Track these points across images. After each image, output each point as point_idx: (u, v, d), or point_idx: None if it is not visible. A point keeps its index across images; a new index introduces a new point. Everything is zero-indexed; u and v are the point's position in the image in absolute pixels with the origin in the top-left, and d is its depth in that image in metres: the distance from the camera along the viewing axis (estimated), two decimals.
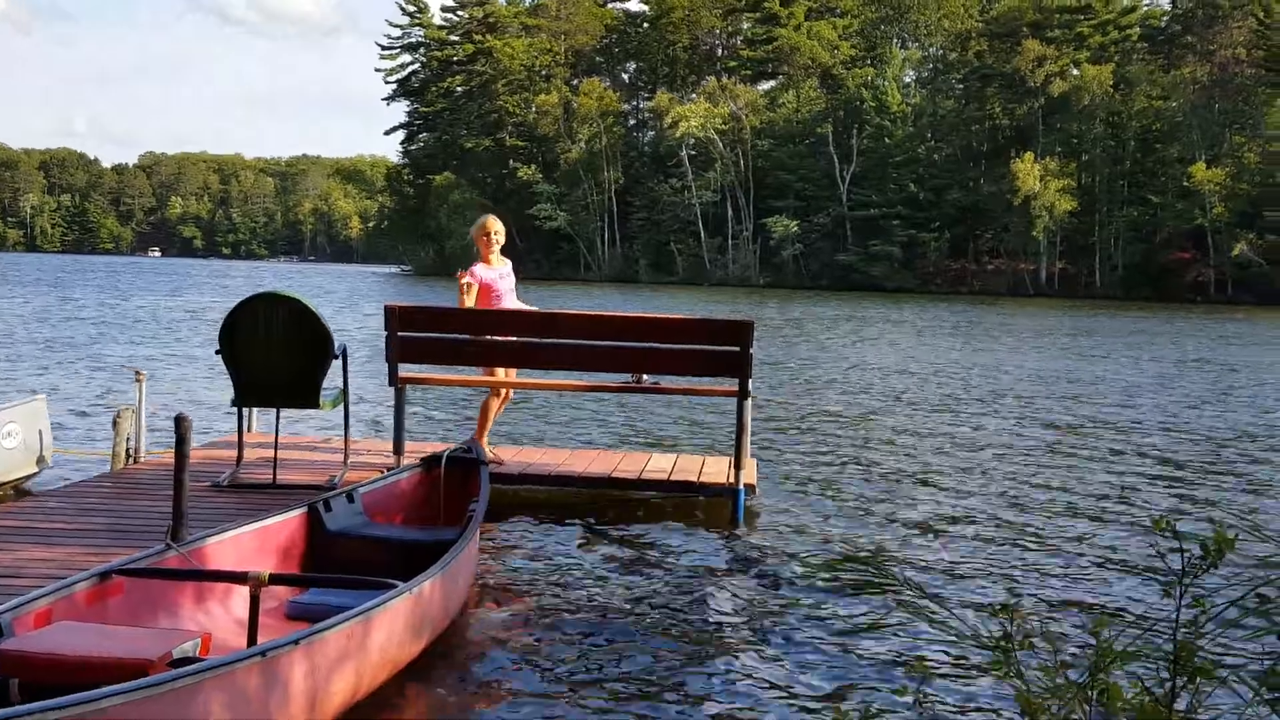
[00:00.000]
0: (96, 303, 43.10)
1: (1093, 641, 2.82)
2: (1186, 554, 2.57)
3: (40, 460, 9.39)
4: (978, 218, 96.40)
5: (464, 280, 9.56)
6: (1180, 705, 2.64)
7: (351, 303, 49.61)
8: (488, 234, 9.78)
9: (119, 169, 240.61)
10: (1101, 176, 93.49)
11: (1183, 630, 2.63)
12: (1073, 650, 5.33)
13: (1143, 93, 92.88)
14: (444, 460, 7.31)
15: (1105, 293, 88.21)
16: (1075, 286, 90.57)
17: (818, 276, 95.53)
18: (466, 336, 9.35)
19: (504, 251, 9.96)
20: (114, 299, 46.66)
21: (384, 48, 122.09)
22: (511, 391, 10.28)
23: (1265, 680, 2.45)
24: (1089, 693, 2.73)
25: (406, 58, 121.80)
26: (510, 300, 9.80)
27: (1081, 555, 8.31)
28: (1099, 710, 2.74)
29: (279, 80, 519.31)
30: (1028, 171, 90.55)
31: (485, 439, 9.83)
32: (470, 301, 9.60)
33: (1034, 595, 7.15)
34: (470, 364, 9.81)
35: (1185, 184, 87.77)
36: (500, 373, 9.70)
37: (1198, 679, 2.61)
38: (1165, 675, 2.67)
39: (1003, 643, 2.80)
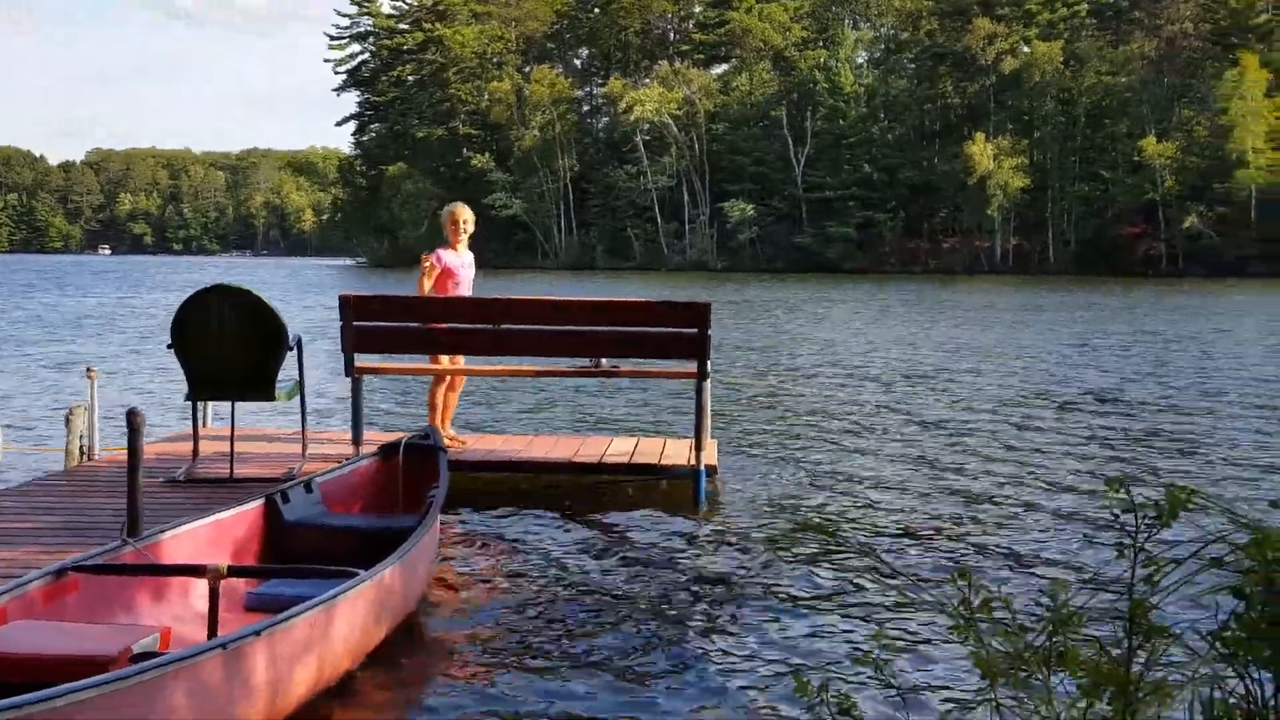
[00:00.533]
0: (44, 303, 42.64)
1: (1050, 605, 2.84)
2: (1140, 514, 2.59)
3: None
4: (932, 197, 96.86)
5: (427, 262, 9.69)
6: (1138, 664, 2.66)
7: (305, 295, 49.32)
8: (456, 221, 9.93)
9: (66, 166, 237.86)
10: (1053, 153, 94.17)
11: (1137, 590, 2.65)
12: (1031, 614, 5.37)
13: (1093, 69, 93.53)
14: (402, 448, 7.27)
15: (1059, 268, 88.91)
16: (1029, 263, 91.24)
17: (774, 259, 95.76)
18: (423, 325, 9.33)
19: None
20: (63, 298, 46.18)
21: (333, 38, 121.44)
22: (461, 378, 10.30)
23: (1217, 635, 2.47)
24: (1046, 655, 2.75)
25: (356, 47, 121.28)
26: (467, 290, 9.91)
27: (1038, 521, 8.39)
28: (1057, 672, 2.76)
29: (227, 73, 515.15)
30: (981, 152, 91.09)
31: (448, 428, 9.83)
32: (429, 282, 9.68)
33: (992, 561, 7.21)
34: (427, 352, 9.79)
35: (1136, 159, 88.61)
36: (445, 360, 9.75)
37: (1153, 638, 2.63)
38: (1121, 635, 2.69)
39: (961, 608, 2.81)
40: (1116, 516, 2.65)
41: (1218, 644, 2.48)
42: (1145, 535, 2.60)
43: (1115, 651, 2.71)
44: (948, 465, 10.79)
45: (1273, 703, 2.47)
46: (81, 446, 9.21)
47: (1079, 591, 2.87)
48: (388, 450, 7.32)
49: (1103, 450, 11.72)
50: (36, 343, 25.05)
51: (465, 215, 9.99)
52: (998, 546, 7.67)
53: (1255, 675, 2.49)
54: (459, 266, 9.85)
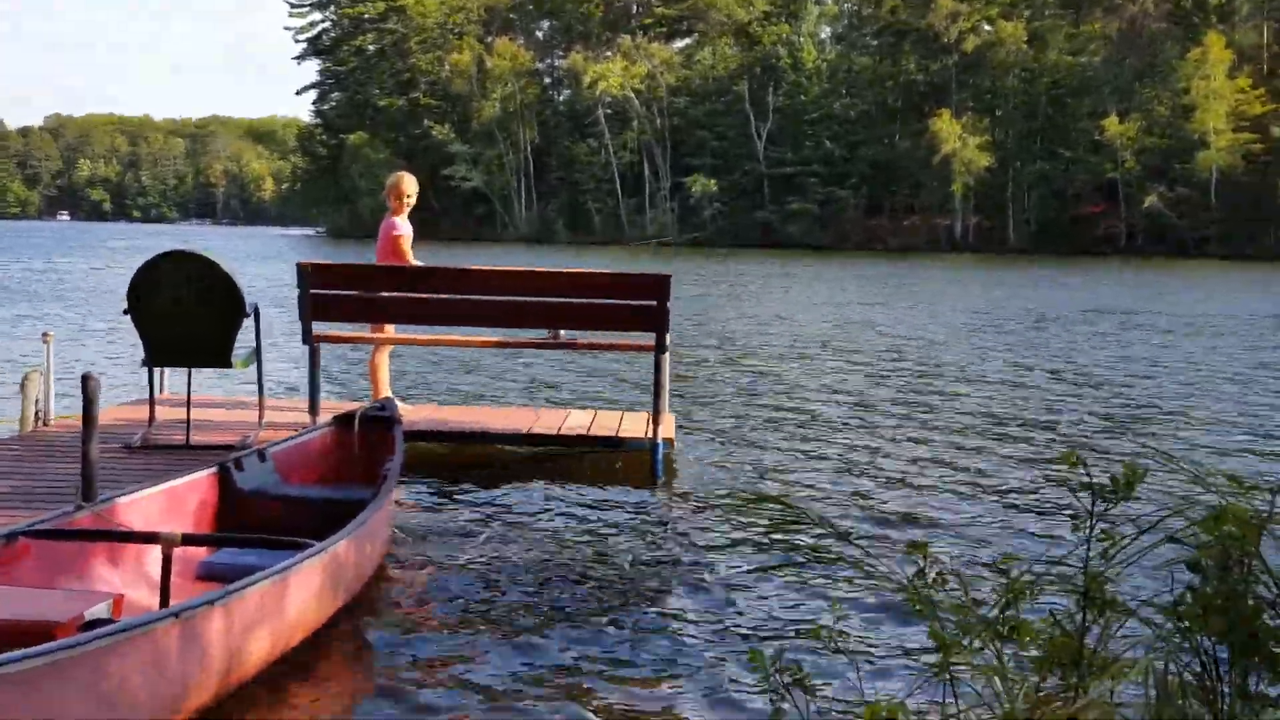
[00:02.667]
0: (1, 268, 42.15)
1: (1002, 581, 2.85)
2: (1096, 489, 2.59)
3: None
4: (893, 174, 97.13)
5: (406, 235, 9.82)
6: (1092, 637, 2.67)
7: (264, 263, 48.94)
8: (412, 194, 10.03)
9: (24, 131, 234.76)
10: (1015, 131, 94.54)
11: (1092, 564, 2.65)
12: (986, 587, 5.41)
13: (1056, 46, 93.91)
14: (357, 419, 7.23)
15: (1020, 246, 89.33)
16: (991, 240, 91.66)
17: (735, 235, 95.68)
18: (381, 293, 9.29)
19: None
20: (19, 263, 45.67)
21: (294, 5, 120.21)
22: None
23: (1172, 610, 2.49)
24: (1000, 629, 2.75)
25: (317, 15, 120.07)
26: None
27: (995, 495, 8.44)
28: (1011, 645, 2.77)
29: (187, 39, 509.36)
30: (948, 130, 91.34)
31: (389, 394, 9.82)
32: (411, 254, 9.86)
33: (948, 535, 7.24)
34: (385, 321, 9.73)
35: (1097, 138, 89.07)
36: (390, 329, 9.77)
37: (1107, 611, 2.64)
38: (1076, 609, 2.70)
39: (915, 581, 2.81)
40: (1074, 491, 2.66)
41: (1173, 618, 2.49)
42: (1101, 509, 2.60)
43: (1069, 625, 2.72)
44: (904, 439, 10.84)
45: (1226, 676, 2.49)
46: (37, 412, 9.11)
47: (1034, 565, 2.87)
48: (343, 420, 7.27)
49: (1061, 426, 11.80)
50: None
51: (414, 189, 10.09)
52: (954, 520, 7.71)
53: (1209, 649, 2.51)
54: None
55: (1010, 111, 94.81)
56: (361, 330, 10.29)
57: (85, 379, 5.91)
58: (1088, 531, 2.63)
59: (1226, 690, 2.52)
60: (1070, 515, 2.71)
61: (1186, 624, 2.50)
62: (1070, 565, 2.77)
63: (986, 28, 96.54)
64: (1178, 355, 19.24)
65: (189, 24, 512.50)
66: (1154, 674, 2.52)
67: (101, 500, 5.46)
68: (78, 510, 5.24)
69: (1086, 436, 11.24)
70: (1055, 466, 9.46)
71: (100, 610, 4.30)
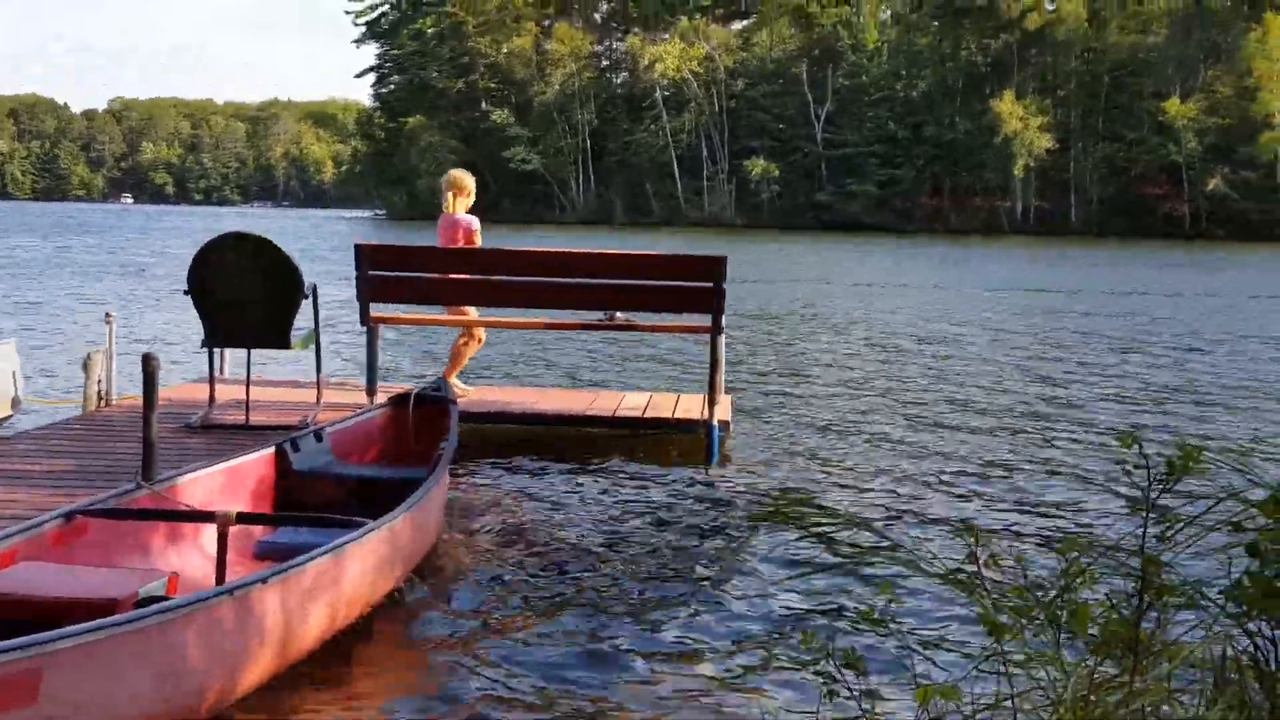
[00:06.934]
0: (65, 249, 42.71)
1: (1057, 565, 2.81)
2: (1152, 470, 2.55)
3: (15, 403, 9.32)
4: (954, 155, 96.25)
5: (477, 228, 9.73)
6: (1149, 622, 2.63)
7: (322, 245, 49.26)
8: (469, 191, 9.92)
9: (89, 115, 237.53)
10: (1076, 112, 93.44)
11: (1149, 547, 2.61)
12: (1040, 573, 5.34)
13: (1118, 24, 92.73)
14: (412, 399, 7.25)
15: (1081, 229, 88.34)
16: (1052, 223, 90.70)
17: (794, 216, 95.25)
18: (437, 275, 9.31)
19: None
20: (84, 244, 46.25)
21: None
22: (484, 335, 10.26)
23: (1230, 594, 2.44)
24: (1055, 613, 2.72)
25: None
26: None
27: (1049, 481, 8.35)
28: (1067, 631, 2.73)
29: (250, 22, 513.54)
30: (1010, 111, 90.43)
31: (454, 378, 9.80)
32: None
33: (1003, 521, 7.16)
34: (442, 302, 9.76)
35: (1160, 119, 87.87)
36: (473, 312, 9.73)
37: (1164, 596, 2.59)
38: (1132, 594, 2.66)
39: (967, 564, 2.78)
40: (1129, 473, 2.62)
41: (1230, 603, 2.45)
42: (1157, 492, 2.56)
43: (1126, 610, 2.68)
44: (959, 425, 10.74)
45: None
46: (99, 391, 9.21)
47: (1089, 549, 2.83)
48: (398, 401, 7.29)
49: (1116, 409, 11.67)
50: (57, 288, 25.11)
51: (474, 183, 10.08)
52: (1010, 507, 7.63)
53: (1269, 633, 2.46)
54: None
55: (1072, 92, 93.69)
56: (418, 312, 10.32)
57: (146, 359, 5.97)
58: (1145, 511, 2.59)
59: None
60: (1130, 499, 2.67)
61: (1246, 608, 2.45)
62: (1128, 550, 2.73)
63: (1048, 6, 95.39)
64: (1253, 339, 18.96)
65: (249, 5, 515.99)
66: (1211, 657, 2.48)
67: (160, 479, 5.51)
68: (137, 489, 5.29)
69: (1152, 420, 11.11)
70: (1112, 449, 9.33)
71: (155, 588, 4.34)
